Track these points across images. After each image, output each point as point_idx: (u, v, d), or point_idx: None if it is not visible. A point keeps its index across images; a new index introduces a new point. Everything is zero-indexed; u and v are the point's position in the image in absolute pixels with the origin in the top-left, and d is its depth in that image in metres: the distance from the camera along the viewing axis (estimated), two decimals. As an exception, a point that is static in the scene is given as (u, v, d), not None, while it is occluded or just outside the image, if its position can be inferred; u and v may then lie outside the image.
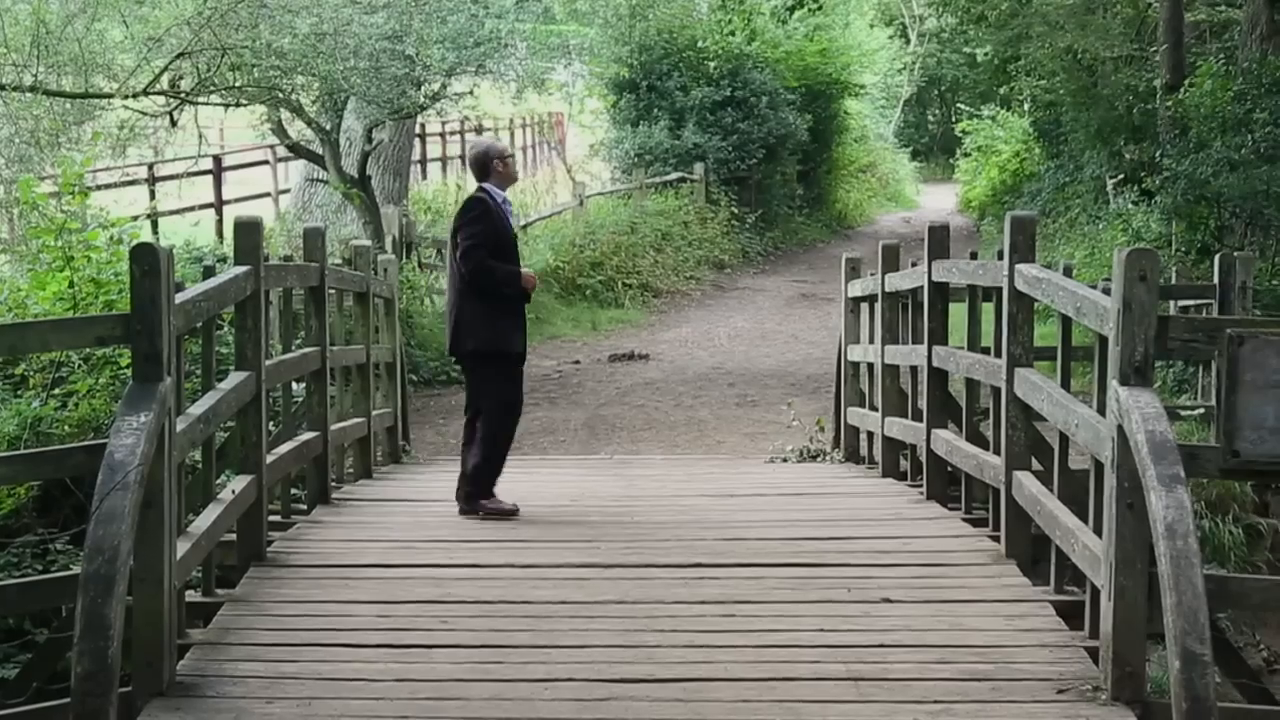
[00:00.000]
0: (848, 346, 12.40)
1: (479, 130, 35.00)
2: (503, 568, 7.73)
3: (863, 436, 12.00)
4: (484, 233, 9.09)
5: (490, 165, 9.29)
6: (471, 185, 9.67)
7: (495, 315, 9.13)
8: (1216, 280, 11.72)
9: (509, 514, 9.13)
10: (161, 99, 16.87)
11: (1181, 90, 20.70)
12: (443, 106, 21.18)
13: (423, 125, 29.69)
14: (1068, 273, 7.40)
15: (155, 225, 21.86)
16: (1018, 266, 7.63)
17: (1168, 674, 5.05)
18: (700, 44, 31.27)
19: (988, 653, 6.25)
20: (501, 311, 9.15)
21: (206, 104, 17.84)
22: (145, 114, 17.17)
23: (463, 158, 35.64)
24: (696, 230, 28.15)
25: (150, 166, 24.60)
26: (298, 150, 20.20)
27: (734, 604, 7.00)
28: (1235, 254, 12.26)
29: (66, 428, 8.77)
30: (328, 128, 18.95)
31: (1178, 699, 4.88)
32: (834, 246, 31.32)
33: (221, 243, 20.03)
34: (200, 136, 19.32)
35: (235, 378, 7.59)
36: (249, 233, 7.94)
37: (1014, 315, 7.73)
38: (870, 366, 11.61)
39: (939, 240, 9.61)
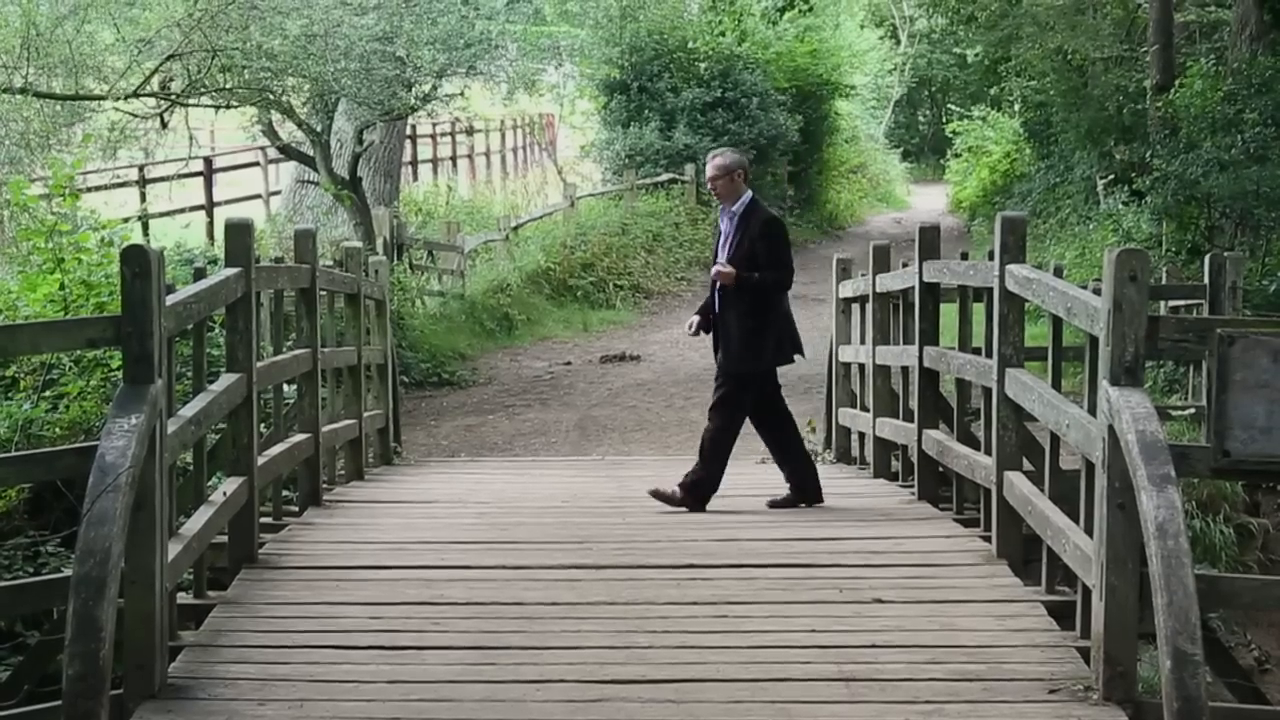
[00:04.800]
0: (839, 347, 12.40)
1: (469, 132, 34.99)
2: (494, 569, 7.73)
3: (854, 437, 12.01)
4: None
5: None
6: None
7: None
8: (1207, 280, 11.75)
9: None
10: (152, 101, 16.87)
11: (1171, 91, 20.72)
12: (433, 108, 21.18)
13: (413, 127, 29.67)
14: (1058, 273, 7.41)
15: (146, 227, 21.86)
16: (1008, 267, 7.63)
17: (1159, 674, 5.06)
18: (691, 45, 31.29)
19: (979, 653, 6.25)
20: None
21: (197, 106, 17.83)
22: (136, 116, 17.17)
23: (453, 159, 35.68)
24: (687, 231, 28.16)
25: (141, 168, 24.59)
26: (288, 152, 20.19)
27: (725, 605, 7.00)
28: (1225, 254, 12.29)
29: (57, 430, 8.76)
30: (318, 129, 18.94)
31: (1169, 699, 4.88)
32: (825, 247, 31.29)
33: (212, 244, 20.03)
34: (191, 138, 19.32)
35: (226, 379, 7.58)
36: (240, 234, 7.93)
37: (1005, 316, 7.73)
38: (861, 367, 11.61)
39: (930, 241, 9.62)
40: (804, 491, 9.67)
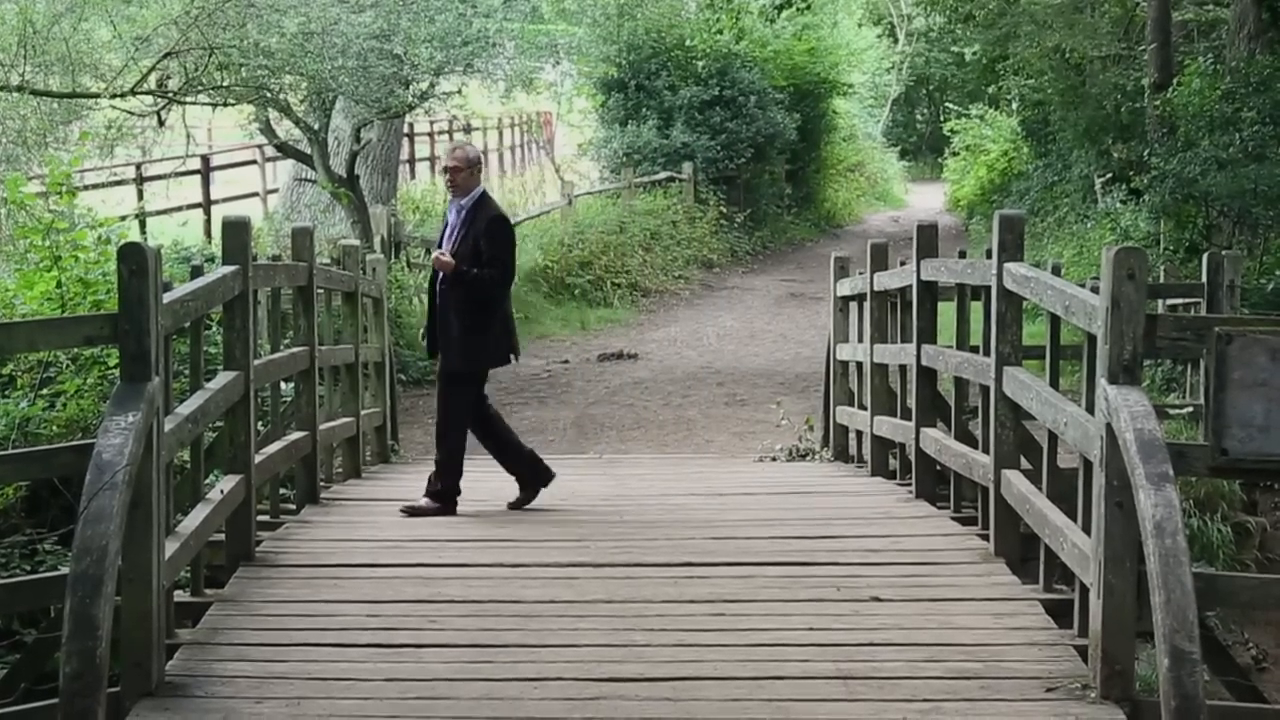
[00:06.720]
0: (836, 345, 12.40)
1: (467, 130, 34.97)
2: (492, 567, 7.73)
3: (852, 435, 12.01)
4: None
5: None
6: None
7: None
8: (1204, 279, 11.76)
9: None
10: (149, 99, 16.85)
11: (1170, 89, 20.73)
12: (431, 106, 21.14)
13: (411, 125, 29.65)
14: (1056, 271, 7.42)
15: (143, 225, 21.82)
16: (1006, 265, 7.63)
17: (1157, 672, 5.06)
18: (688, 43, 31.27)
19: (977, 651, 6.26)
20: None
21: (194, 104, 17.81)
22: (133, 114, 17.14)
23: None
24: (685, 229, 28.15)
25: (138, 166, 24.53)
26: (286, 150, 20.16)
27: (723, 603, 7.00)
28: (1223, 252, 12.32)
29: (54, 428, 8.75)
30: (316, 127, 18.91)
31: (1167, 697, 4.88)
32: (822, 245, 31.31)
33: (209, 242, 19.99)
34: (188, 136, 19.28)
35: (224, 377, 7.58)
36: (237, 232, 7.93)
37: (1002, 314, 7.73)
38: (859, 365, 11.61)
39: (927, 239, 9.62)
40: (536, 481, 9.58)
